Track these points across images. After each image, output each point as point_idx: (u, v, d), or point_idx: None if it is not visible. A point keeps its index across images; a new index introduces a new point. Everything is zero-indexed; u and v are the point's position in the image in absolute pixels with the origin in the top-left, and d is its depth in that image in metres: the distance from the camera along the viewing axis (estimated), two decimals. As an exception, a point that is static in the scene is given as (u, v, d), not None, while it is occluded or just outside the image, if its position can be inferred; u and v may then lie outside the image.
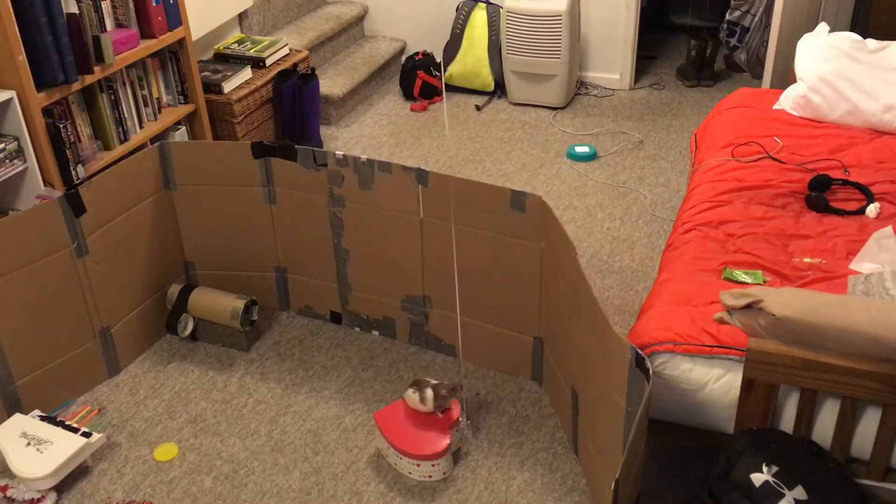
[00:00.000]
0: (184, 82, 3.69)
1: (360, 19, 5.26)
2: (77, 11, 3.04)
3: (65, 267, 2.62)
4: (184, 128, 3.74)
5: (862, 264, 2.41)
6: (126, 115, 3.40)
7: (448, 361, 2.88)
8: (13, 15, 2.81)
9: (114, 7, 3.31)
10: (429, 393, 2.43)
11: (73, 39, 3.02)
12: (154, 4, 3.39)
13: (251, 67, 4.10)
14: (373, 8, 5.28)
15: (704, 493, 1.98)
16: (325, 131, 4.56)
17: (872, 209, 2.68)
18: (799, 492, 1.86)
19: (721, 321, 2.17)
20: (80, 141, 3.23)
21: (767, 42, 4.32)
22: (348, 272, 2.93)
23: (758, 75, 4.71)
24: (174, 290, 2.99)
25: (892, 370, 1.91)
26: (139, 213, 2.85)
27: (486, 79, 4.86)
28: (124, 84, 3.39)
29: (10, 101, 2.88)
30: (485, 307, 2.73)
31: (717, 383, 2.13)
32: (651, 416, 2.23)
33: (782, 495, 1.86)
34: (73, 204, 2.60)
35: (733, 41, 4.78)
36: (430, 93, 4.87)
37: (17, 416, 2.53)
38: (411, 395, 2.46)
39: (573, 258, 2.22)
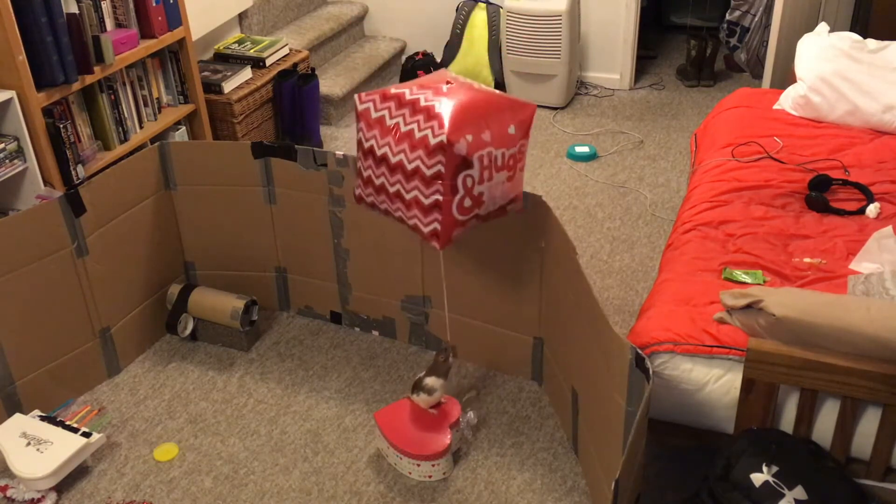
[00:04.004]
0: (184, 82, 3.69)
1: (360, 19, 5.26)
2: (77, 11, 3.04)
3: (65, 267, 2.62)
4: (184, 128, 3.74)
5: (862, 264, 2.41)
6: (126, 115, 3.40)
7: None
8: (13, 15, 2.81)
9: (114, 7, 3.31)
10: (428, 381, 2.42)
11: (73, 39, 3.02)
12: (154, 4, 3.39)
13: (251, 67, 4.10)
14: (373, 8, 5.28)
15: (704, 493, 1.98)
16: (325, 131, 4.56)
17: (872, 209, 2.68)
18: (799, 492, 1.86)
19: (721, 321, 2.17)
20: (80, 141, 3.23)
21: (767, 42, 4.32)
22: (348, 272, 2.93)
23: (758, 75, 4.71)
24: (174, 290, 2.99)
25: (892, 370, 1.91)
26: (139, 213, 2.85)
27: (486, 79, 4.86)
28: (124, 84, 3.39)
29: (10, 101, 2.88)
30: (485, 307, 2.73)
31: (717, 383, 2.13)
32: (651, 416, 2.23)
33: (782, 495, 1.86)
34: (73, 204, 2.60)
35: (733, 41, 4.78)
36: (430, 93, 4.86)
37: (17, 416, 2.53)
38: (418, 399, 2.44)
39: (573, 258, 2.22)
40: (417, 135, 2.09)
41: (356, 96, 2.25)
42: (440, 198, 2.10)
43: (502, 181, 2.19)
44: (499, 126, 2.15)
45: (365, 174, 2.28)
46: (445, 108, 2.08)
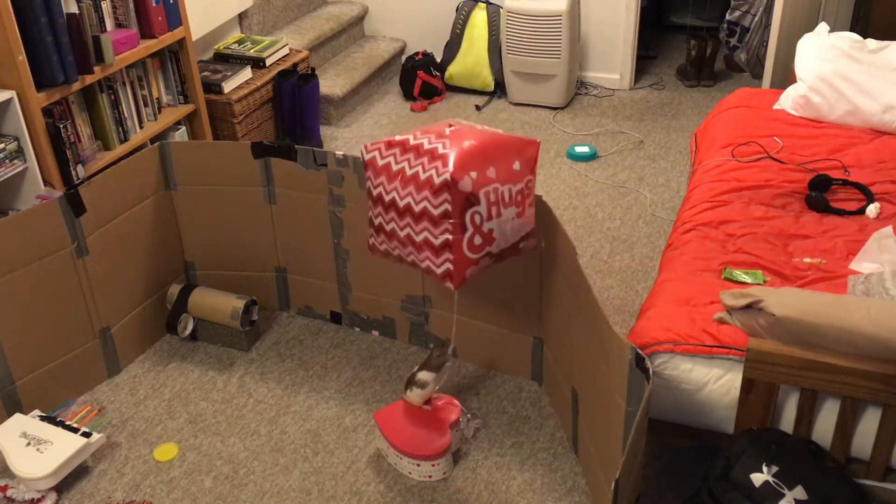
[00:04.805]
0: (184, 82, 3.69)
1: (360, 19, 5.26)
2: (77, 11, 3.04)
3: (65, 267, 2.62)
4: (184, 128, 3.74)
5: (862, 264, 2.41)
6: (126, 115, 3.40)
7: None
8: (13, 15, 2.81)
9: (114, 7, 3.31)
10: (421, 375, 2.42)
11: (73, 39, 3.02)
12: (154, 4, 3.39)
13: (251, 67, 4.10)
14: (373, 8, 5.28)
15: (704, 492, 1.98)
16: (325, 131, 4.56)
17: (872, 209, 2.68)
18: (799, 492, 1.86)
19: (721, 321, 2.17)
20: (80, 141, 3.23)
21: (767, 42, 4.32)
22: (348, 272, 2.93)
23: (758, 75, 4.71)
24: (174, 290, 2.99)
25: (892, 370, 1.91)
26: (139, 213, 2.85)
27: (486, 79, 4.86)
28: (124, 84, 3.39)
29: (10, 101, 2.88)
30: (485, 307, 2.73)
31: (717, 383, 2.13)
32: (651, 416, 2.23)
33: (782, 495, 1.86)
34: (73, 204, 2.60)
35: (733, 41, 4.78)
36: (430, 93, 4.87)
37: (17, 416, 2.53)
38: (411, 395, 2.45)
39: (573, 258, 2.22)
40: (423, 176, 2.12)
41: (363, 146, 2.28)
42: (450, 237, 2.13)
43: (511, 217, 2.22)
44: (503, 163, 2.17)
45: (376, 222, 2.32)
46: (449, 148, 2.11)
